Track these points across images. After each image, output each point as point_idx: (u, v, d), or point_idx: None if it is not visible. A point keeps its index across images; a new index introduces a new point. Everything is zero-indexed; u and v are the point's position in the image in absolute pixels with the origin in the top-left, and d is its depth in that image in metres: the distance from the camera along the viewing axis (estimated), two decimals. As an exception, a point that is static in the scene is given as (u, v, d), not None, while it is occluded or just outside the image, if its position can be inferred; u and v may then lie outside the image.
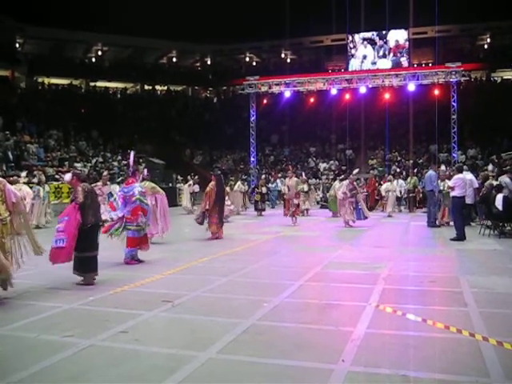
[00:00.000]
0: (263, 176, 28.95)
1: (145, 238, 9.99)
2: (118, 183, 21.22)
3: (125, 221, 9.69)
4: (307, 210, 21.35)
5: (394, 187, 21.78)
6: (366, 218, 16.75)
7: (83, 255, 7.71)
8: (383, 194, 21.65)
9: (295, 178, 18.24)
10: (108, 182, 18.39)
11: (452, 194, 13.31)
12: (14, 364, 4.52)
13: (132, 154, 10.99)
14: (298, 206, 17.90)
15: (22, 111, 31.08)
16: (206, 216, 13.65)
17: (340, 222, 16.81)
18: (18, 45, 37.80)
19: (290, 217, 17.31)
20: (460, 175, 13.52)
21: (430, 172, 16.54)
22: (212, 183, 13.85)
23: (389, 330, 5.35)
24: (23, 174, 18.91)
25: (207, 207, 13.52)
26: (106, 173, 21.81)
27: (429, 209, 16.38)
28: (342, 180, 18.16)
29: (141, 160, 32.51)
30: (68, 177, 8.34)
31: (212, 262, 9.97)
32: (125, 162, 31.73)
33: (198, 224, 13.82)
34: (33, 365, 4.46)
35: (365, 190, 22.65)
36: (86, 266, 7.78)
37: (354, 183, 16.92)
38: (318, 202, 26.87)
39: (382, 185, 23.25)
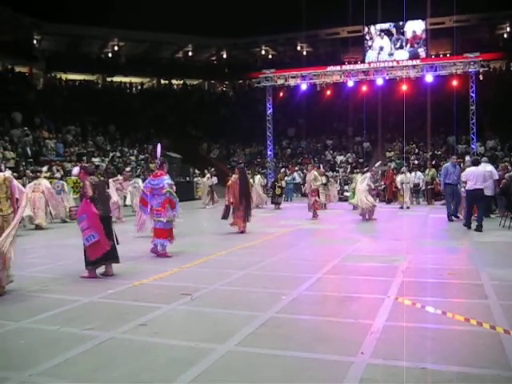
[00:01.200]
0: (282, 170, 28.93)
1: (172, 230, 10.10)
2: (138, 176, 21.29)
3: (154, 213, 9.86)
4: (325, 203, 21.16)
5: (408, 179, 21.61)
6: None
7: None
8: (398, 186, 21.47)
9: (314, 172, 17.81)
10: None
11: (466, 187, 13.52)
12: (36, 356, 4.58)
13: (159, 146, 11.05)
14: (316, 201, 17.50)
15: (40, 107, 31.34)
16: (230, 210, 13.43)
17: (358, 215, 16.72)
18: (35, 42, 38.09)
19: (309, 211, 17.19)
20: (472, 168, 13.42)
21: (446, 164, 16.22)
22: (235, 176, 13.60)
23: (408, 322, 5.31)
24: (45, 169, 19.15)
25: (231, 201, 13.28)
26: (128, 169, 22.04)
27: (447, 202, 16.00)
28: (363, 173, 17.99)
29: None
30: (76, 170, 8.49)
31: (230, 255, 9.99)
32: (142, 157, 31.95)
33: (222, 218, 13.60)
34: (54, 357, 4.51)
35: (382, 183, 22.52)
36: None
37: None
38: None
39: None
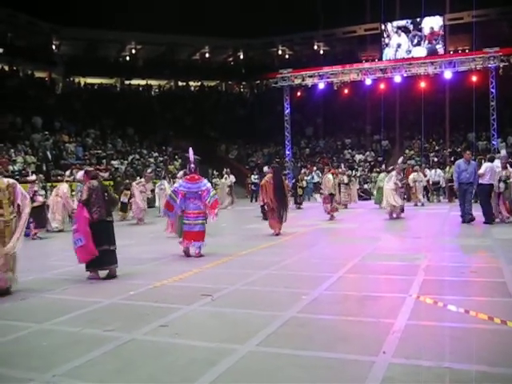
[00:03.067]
0: (303, 170, 28.90)
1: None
2: (164, 178, 21.35)
3: (192, 216, 9.95)
4: (346, 203, 20.89)
5: (421, 177, 21.50)
6: None
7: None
8: (411, 184, 21.23)
9: (329, 175, 16.93)
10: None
11: (480, 181, 13.56)
12: (58, 357, 4.62)
13: (191, 150, 11.12)
14: (332, 208, 16.65)
15: (59, 111, 31.70)
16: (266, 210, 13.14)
17: (379, 214, 16.62)
18: (54, 47, 38.54)
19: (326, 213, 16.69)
20: (489, 164, 13.69)
21: (458, 161, 14.90)
22: (269, 175, 13.25)
23: (430, 321, 5.26)
24: (67, 173, 19.39)
25: (265, 201, 12.88)
26: (149, 170, 22.19)
27: (460, 203, 14.55)
28: (389, 172, 17.76)
29: (176, 156, 32.92)
30: (80, 175, 8.83)
31: (250, 255, 9.99)
32: (161, 159, 32.12)
33: (264, 219, 13.43)
34: (77, 358, 4.54)
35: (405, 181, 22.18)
36: (94, 260, 7.92)
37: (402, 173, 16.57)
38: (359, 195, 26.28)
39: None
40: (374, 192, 21.85)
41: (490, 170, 13.41)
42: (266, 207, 13.01)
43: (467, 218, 13.81)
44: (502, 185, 13.44)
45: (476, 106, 27.07)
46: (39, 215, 14.21)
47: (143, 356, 4.60)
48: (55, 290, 7.33)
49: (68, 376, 4.21)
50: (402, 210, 16.47)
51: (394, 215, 16.05)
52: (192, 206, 9.98)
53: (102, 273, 8.13)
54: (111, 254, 8.08)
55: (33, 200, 14.50)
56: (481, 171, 13.57)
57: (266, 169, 17.46)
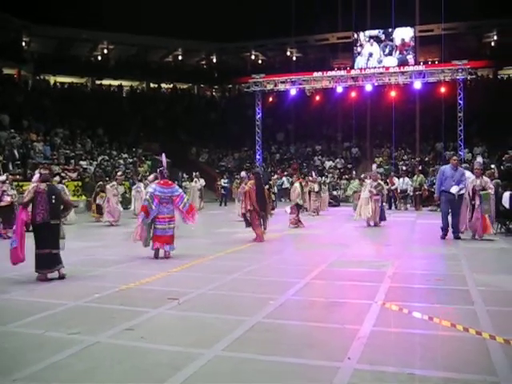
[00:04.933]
0: (275, 176, 29.03)
1: None
2: (140, 180, 21.12)
3: (166, 220, 10.15)
4: (317, 209, 20.81)
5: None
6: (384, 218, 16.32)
7: (36, 252, 8.02)
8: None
9: (296, 184, 16.79)
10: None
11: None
12: (21, 360, 4.54)
13: (163, 155, 11.17)
14: (292, 220, 16.17)
15: (28, 109, 31.15)
16: (248, 218, 12.90)
17: (349, 221, 16.72)
18: (24, 43, 37.87)
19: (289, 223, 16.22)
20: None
21: (443, 167, 13.53)
22: (251, 182, 12.98)
23: (395, 328, 5.33)
24: (119, 173, 19.73)
25: (249, 208, 12.61)
26: (120, 173, 21.98)
27: (442, 213, 13.03)
28: (361, 179, 17.57)
29: (145, 158, 32.66)
30: (35, 177, 8.91)
31: (217, 259, 9.97)
32: (130, 160, 31.81)
33: (247, 227, 13.21)
34: (40, 361, 4.47)
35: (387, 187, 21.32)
36: (37, 263, 8.01)
37: (379, 180, 16.34)
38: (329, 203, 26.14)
39: (387, 183, 22.98)
40: (352, 199, 21.37)
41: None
42: (248, 214, 12.77)
43: (447, 233, 12.66)
44: (477, 197, 12.16)
45: (444, 116, 27.60)
46: (7, 215, 13.94)
47: (108, 359, 4.54)
48: (20, 291, 7.21)
49: (30, 380, 4.13)
50: (382, 219, 16.18)
51: (372, 223, 15.84)
52: (165, 211, 10.18)
53: (52, 274, 8.10)
54: (54, 256, 8.09)
55: (0, 200, 14.25)
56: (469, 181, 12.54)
57: (243, 174, 17.17)
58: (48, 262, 8.01)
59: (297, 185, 16.78)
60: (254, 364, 4.38)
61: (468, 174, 13.23)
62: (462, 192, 12.46)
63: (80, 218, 18.72)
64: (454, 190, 12.46)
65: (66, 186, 18.60)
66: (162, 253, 10.14)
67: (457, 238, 12.48)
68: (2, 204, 14.17)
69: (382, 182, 16.59)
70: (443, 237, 12.66)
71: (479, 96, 32.64)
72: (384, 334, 5.13)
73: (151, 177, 13.08)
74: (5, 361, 4.56)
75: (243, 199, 13.12)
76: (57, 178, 18.83)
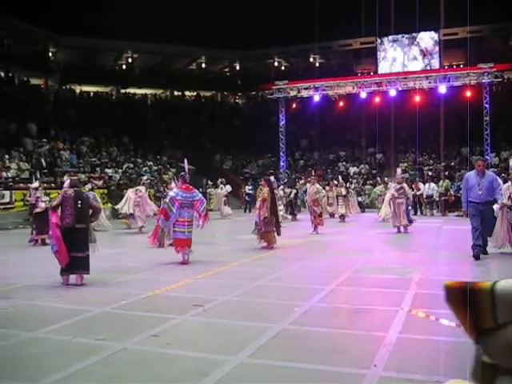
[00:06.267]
0: (301, 181, 29.00)
1: None
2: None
3: (185, 224, 10.32)
4: (343, 215, 20.58)
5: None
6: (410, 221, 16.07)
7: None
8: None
9: (317, 185, 16.92)
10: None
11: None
12: (48, 366, 4.59)
13: (186, 161, 11.37)
14: (320, 214, 16.38)
15: (55, 119, 31.65)
16: (260, 224, 12.65)
17: (373, 227, 16.62)
18: (50, 54, 38.56)
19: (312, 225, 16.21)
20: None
21: (468, 174, 11.51)
22: (266, 189, 12.69)
23: (422, 335, 5.27)
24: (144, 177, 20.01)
25: (266, 215, 12.35)
26: (145, 177, 22.12)
27: (472, 227, 10.53)
28: (386, 183, 17.49)
29: (169, 166, 32.92)
30: (66, 183, 9.09)
31: (242, 266, 9.98)
32: (155, 168, 32.09)
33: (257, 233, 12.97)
34: (67, 367, 4.51)
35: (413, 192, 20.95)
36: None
37: (404, 184, 16.14)
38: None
39: (412, 189, 22.71)
40: (378, 205, 21.14)
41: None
42: (264, 220, 12.49)
43: (480, 251, 10.28)
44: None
45: (470, 120, 27.24)
46: (42, 222, 14.11)
47: (134, 366, 4.58)
48: (46, 298, 7.30)
49: (58, 385, 4.18)
50: (410, 222, 15.95)
51: (402, 229, 15.66)
52: (186, 215, 10.35)
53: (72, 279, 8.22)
54: (80, 260, 8.20)
55: (35, 206, 14.49)
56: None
57: (272, 179, 16.83)
58: (71, 265, 8.10)
59: (317, 185, 17.06)
60: (279, 370, 4.37)
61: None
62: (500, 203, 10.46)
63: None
64: (495, 208, 10.56)
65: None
66: (181, 256, 10.31)
67: (484, 253, 10.44)
68: (38, 210, 14.36)
69: (405, 185, 16.36)
70: (477, 256, 10.10)
71: (505, 99, 32.20)
72: (410, 341, 5.08)
73: (173, 184, 13.16)
74: (31, 367, 4.61)
75: (260, 206, 12.69)
76: (88, 186, 19.11)
